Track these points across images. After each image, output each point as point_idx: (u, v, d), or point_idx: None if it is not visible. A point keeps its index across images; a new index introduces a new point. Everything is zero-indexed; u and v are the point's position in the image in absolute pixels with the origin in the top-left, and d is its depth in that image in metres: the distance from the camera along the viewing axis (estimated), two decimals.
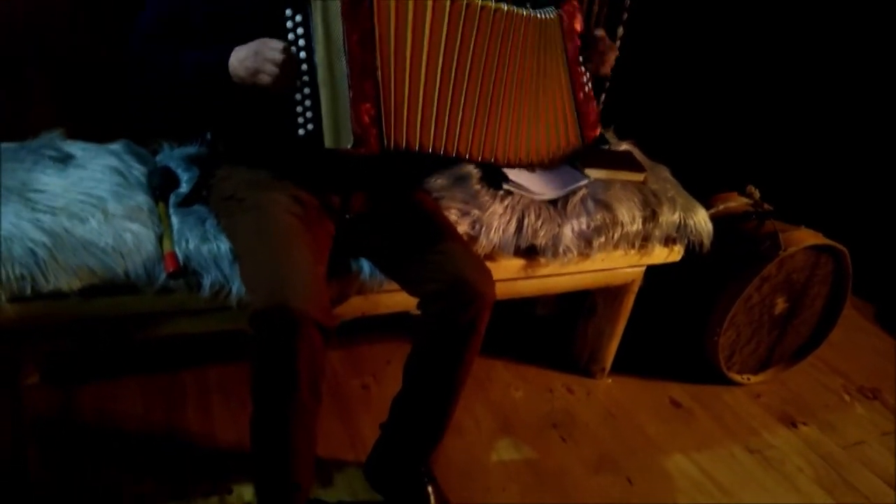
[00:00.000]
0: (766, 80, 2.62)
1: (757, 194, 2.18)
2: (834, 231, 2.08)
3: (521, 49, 1.33)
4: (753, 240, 2.00)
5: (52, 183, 1.36)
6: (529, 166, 1.59)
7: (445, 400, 1.43)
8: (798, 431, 2.03)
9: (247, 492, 1.55)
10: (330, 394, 1.87)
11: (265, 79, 1.20)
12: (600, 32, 1.44)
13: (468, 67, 1.28)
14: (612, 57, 1.45)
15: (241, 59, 1.21)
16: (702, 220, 1.87)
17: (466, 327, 1.34)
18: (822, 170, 2.68)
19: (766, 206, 2.13)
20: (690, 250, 1.90)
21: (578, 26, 1.41)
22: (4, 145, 1.46)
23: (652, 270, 1.93)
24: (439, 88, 1.27)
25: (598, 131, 1.47)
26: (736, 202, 2.18)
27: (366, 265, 1.49)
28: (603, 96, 2.30)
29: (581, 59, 1.41)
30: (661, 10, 2.38)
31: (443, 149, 1.30)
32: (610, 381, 2.10)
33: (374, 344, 2.08)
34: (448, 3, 1.24)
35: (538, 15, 1.36)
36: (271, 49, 1.19)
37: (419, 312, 1.40)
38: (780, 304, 2.09)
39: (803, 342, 2.21)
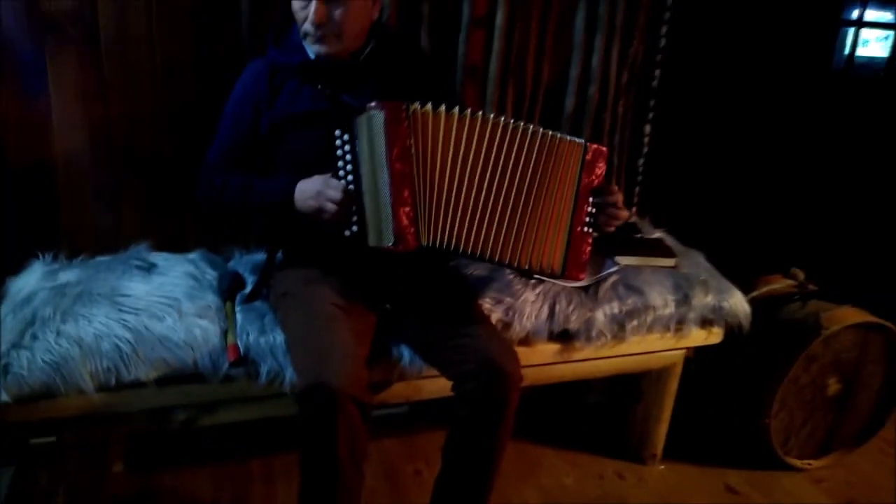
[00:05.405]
0: (805, 161, 2.66)
1: (801, 276, 2.20)
2: (889, 310, 2.06)
3: (542, 165, 1.46)
4: (796, 320, 2.01)
5: (137, 288, 1.59)
6: (526, 272, 1.71)
7: (481, 477, 1.51)
8: None
9: None
10: (384, 478, 1.97)
11: (325, 216, 1.44)
12: (618, 194, 1.50)
13: (496, 178, 1.45)
14: (620, 217, 1.50)
15: (304, 198, 1.45)
16: (737, 302, 1.91)
17: (497, 405, 1.44)
18: (871, 249, 2.65)
19: (810, 286, 2.15)
20: (732, 332, 1.94)
21: (599, 170, 1.49)
22: (100, 258, 1.72)
23: (700, 352, 1.95)
24: (466, 195, 1.45)
25: (583, 276, 1.51)
26: (780, 284, 2.20)
27: (406, 352, 1.62)
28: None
29: (591, 199, 1.49)
30: (690, 96, 2.47)
31: (470, 249, 1.45)
32: (662, 466, 2.10)
33: (428, 432, 2.16)
34: (478, 121, 1.43)
35: (565, 137, 1.48)
36: (332, 189, 1.41)
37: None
38: (833, 385, 2.06)
39: (864, 424, 2.15)
